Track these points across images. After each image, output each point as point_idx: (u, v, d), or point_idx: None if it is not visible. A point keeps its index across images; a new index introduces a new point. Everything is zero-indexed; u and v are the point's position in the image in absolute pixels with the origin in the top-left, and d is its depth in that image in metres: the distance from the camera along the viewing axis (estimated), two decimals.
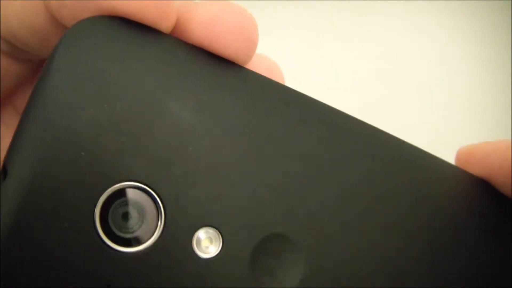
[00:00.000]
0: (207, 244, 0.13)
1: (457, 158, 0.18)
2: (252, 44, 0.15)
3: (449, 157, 0.18)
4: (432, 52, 0.41)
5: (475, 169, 0.17)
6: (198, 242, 0.13)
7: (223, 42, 0.15)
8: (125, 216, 0.13)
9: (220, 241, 0.14)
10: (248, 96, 0.15)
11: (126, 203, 0.13)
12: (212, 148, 0.14)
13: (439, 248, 0.16)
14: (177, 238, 0.13)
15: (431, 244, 0.15)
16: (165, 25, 0.14)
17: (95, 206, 0.13)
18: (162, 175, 0.13)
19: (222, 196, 0.14)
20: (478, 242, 0.16)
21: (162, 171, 0.13)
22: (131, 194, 0.13)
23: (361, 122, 0.16)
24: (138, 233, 0.13)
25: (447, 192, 0.16)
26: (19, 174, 0.12)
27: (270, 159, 0.14)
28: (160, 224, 0.13)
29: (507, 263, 0.16)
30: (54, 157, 0.12)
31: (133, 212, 0.13)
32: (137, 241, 0.13)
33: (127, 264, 0.13)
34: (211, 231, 0.13)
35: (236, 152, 0.14)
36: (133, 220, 0.13)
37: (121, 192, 0.13)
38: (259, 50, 0.16)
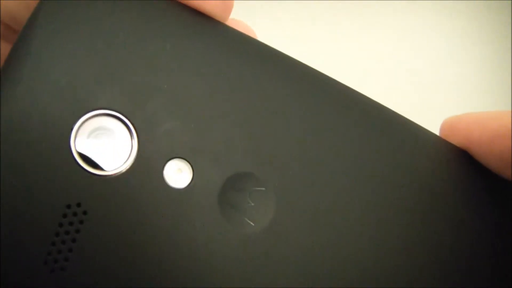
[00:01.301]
0: (177, 175, 0.14)
1: (441, 128, 0.19)
2: (228, 1, 0.16)
3: None
4: (431, 52, 0.42)
5: (457, 140, 0.18)
6: (169, 172, 0.14)
7: None
8: (99, 141, 0.14)
9: (190, 173, 0.14)
10: (224, 43, 0.16)
11: (101, 129, 0.14)
12: (186, 87, 0.15)
13: (411, 209, 0.16)
14: (148, 166, 0.14)
15: (403, 203, 0.16)
16: None
17: (71, 129, 0.13)
18: (137, 106, 0.14)
19: (195, 131, 0.14)
20: (453, 210, 0.16)
21: (137, 103, 0.14)
22: (107, 121, 0.14)
23: (342, 84, 0.17)
24: (111, 159, 0.14)
25: (425, 159, 0.17)
26: (6, 93, 0.13)
27: (243, 102, 0.15)
28: (133, 152, 0.14)
29: (484, 229, 0.16)
30: (37, 83, 0.13)
31: (107, 139, 0.14)
32: (109, 166, 0.14)
33: (97, 186, 0.13)
34: (182, 163, 0.14)
35: (210, 92, 0.15)
36: (107, 146, 0.14)
37: (97, 119, 0.14)
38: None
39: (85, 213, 0.13)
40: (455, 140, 0.18)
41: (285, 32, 0.42)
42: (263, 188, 0.15)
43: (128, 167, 0.14)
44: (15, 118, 0.13)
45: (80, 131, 0.14)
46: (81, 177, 0.13)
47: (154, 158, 0.14)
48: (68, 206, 0.13)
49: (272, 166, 0.15)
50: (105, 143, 0.14)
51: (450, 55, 0.41)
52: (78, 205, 0.13)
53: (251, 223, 0.14)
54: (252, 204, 0.15)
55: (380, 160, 0.16)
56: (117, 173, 0.14)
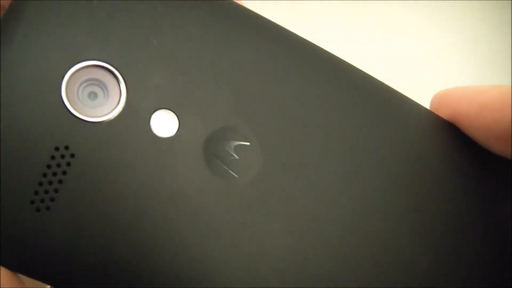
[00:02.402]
0: (163, 125, 0.14)
1: (431, 102, 0.19)
2: None
3: None
4: (431, 52, 0.42)
5: (446, 113, 0.18)
6: (155, 122, 0.14)
7: None
8: (90, 91, 0.14)
9: (176, 124, 0.15)
10: (213, 4, 0.16)
11: (91, 80, 0.14)
12: (176, 44, 0.15)
13: (397, 174, 0.16)
14: (136, 115, 0.14)
15: (389, 165, 0.16)
16: None
17: (63, 77, 0.14)
18: (127, 60, 0.14)
19: (183, 85, 0.15)
20: (439, 180, 0.16)
21: (128, 56, 0.15)
22: (98, 73, 0.14)
23: (331, 53, 0.17)
24: (99, 108, 0.14)
25: (411, 129, 0.17)
26: (4, 43, 0.14)
27: (232, 59, 0.15)
28: (121, 102, 0.14)
29: (470, 201, 0.16)
30: (33, 34, 0.14)
31: (97, 89, 0.14)
32: (98, 114, 0.14)
33: (85, 131, 0.14)
34: (169, 114, 0.15)
35: (200, 49, 0.15)
36: (96, 96, 0.14)
37: (89, 70, 0.14)
38: None
39: (72, 156, 0.14)
40: (444, 113, 0.18)
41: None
42: (248, 143, 0.15)
43: (115, 115, 0.14)
44: (12, 64, 0.14)
45: (71, 80, 0.14)
46: (70, 122, 0.14)
47: (142, 108, 0.14)
48: (57, 149, 0.13)
49: (258, 122, 0.15)
50: (95, 92, 0.14)
51: (450, 55, 0.42)
52: (66, 148, 0.14)
53: (235, 175, 0.15)
54: (237, 157, 0.15)
55: (366, 124, 0.16)
56: (105, 120, 0.14)
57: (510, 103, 0.16)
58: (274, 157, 0.15)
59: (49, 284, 0.14)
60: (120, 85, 0.14)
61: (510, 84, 0.42)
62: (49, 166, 0.13)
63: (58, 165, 0.13)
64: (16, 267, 0.14)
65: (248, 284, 0.14)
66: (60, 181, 0.13)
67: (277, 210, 0.15)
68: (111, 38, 0.14)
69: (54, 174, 0.13)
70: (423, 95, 0.42)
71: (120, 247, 0.13)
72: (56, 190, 0.13)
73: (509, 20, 0.41)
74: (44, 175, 0.13)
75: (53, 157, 0.13)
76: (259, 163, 0.15)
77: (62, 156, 0.13)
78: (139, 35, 0.15)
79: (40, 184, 0.13)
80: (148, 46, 0.15)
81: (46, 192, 0.13)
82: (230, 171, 0.15)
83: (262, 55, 0.16)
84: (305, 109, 0.16)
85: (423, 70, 0.42)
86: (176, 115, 0.15)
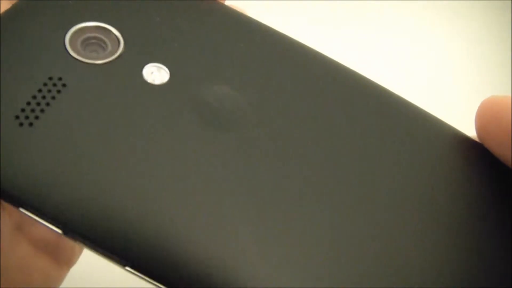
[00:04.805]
0: (155, 74, 0.16)
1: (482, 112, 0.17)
2: None
3: None
4: (431, 52, 0.42)
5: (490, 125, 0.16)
6: (148, 71, 0.16)
7: None
8: (92, 48, 0.16)
9: (167, 76, 0.16)
10: (216, 5, 0.18)
11: (95, 39, 0.16)
12: (176, 22, 0.17)
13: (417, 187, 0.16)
14: (129, 63, 0.16)
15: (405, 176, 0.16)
16: None
17: (69, 30, 0.16)
18: (130, 26, 0.16)
19: (178, 48, 0.16)
20: (463, 196, 0.16)
21: (131, 25, 0.17)
22: (102, 33, 0.16)
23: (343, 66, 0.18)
24: (97, 55, 0.16)
25: (439, 150, 0.17)
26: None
27: (229, 43, 0.17)
28: (117, 53, 0.16)
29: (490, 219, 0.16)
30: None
31: (99, 47, 0.16)
32: (94, 59, 0.16)
33: (79, 69, 0.15)
34: (162, 67, 0.16)
35: (193, 25, 0.17)
36: (97, 51, 0.16)
37: (92, 29, 0.16)
38: None
39: (64, 85, 0.15)
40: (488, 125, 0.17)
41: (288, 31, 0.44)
42: (240, 100, 0.16)
43: (110, 61, 0.16)
44: (28, 16, 0.16)
45: (76, 33, 0.16)
46: (68, 60, 0.15)
47: (136, 59, 0.16)
48: (50, 78, 0.15)
49: (252, 83, 0.16)
50: (96, 49, 0.16)
51: (450, 55, 0.42)
52: (60, 79, 0.15)
53: (223, 123, 0.15)
54: (228, 110, 0.16)
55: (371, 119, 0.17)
56: (99, 63, 0.15)
57: None
58: (269, 118, 0.16)
59: (24, 209, 0.13)
60: (120, 43, 0.16)
61: (510, 84, 0.42)
62: (40, 90, 0.14)
63: (49, 91, 0.14)
64: None
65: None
66: (48, 104, 0.14)
67: (274, 165, 0.15)
68: (121, 9, 0.17)
69: (43, 97, 0.14)
70: (419, 95, 0.43)
71: (93, 180, 0.13)
72: (42, 111, 0.14)
73: (509, 20, 0.41)
74: (34, 97, 0.14)
75: (45, 84, 0.14)
76: (251, 118, 0.16)
77: (54, 85, 0.15)
78: (145, 10, 0.17)
79: (28, 103, 0.14)
80: (151, 20, 0.17)
81: (32, 111, 0.14)
82: (220, 122, 0.15)
83: (261, 38, 0.17)
84: (300, 86, 0.17)
85: (422, 70, 0.42)
86: (168, 69, 0.16)
